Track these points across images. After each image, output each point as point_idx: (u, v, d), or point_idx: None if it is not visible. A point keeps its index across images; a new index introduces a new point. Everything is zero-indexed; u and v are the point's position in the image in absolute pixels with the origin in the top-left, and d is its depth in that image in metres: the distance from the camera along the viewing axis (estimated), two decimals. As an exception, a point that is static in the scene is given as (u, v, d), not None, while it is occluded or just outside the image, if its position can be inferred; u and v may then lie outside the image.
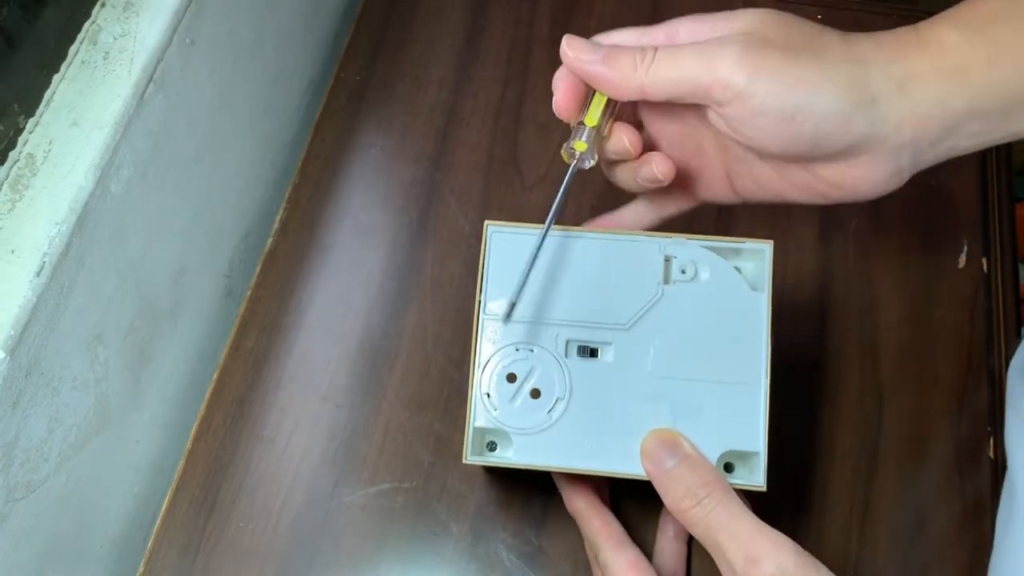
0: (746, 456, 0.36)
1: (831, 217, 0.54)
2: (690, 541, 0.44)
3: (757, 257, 0.37)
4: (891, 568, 0.45)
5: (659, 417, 0.36)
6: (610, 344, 0.36)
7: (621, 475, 0.35)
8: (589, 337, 0.37)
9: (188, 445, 0.49)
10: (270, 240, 0.55)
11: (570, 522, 0.44)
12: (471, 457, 0.36)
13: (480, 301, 0.37)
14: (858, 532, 0.46)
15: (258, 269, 0.54)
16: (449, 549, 0.46)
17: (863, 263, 0.53)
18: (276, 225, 0.56)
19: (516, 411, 0.36)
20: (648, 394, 0.36)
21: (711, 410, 0.36)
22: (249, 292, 0.53)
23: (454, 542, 0.46)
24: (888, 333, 0.51)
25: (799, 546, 0.32)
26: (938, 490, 0.46)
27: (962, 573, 0.45)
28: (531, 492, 0.47)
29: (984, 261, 0.53)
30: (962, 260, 0.53)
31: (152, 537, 0.47)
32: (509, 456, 0.36)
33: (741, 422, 0.35)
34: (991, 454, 0.47)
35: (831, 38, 0.33)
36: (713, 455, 0.35)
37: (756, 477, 0.35)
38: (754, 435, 0.35)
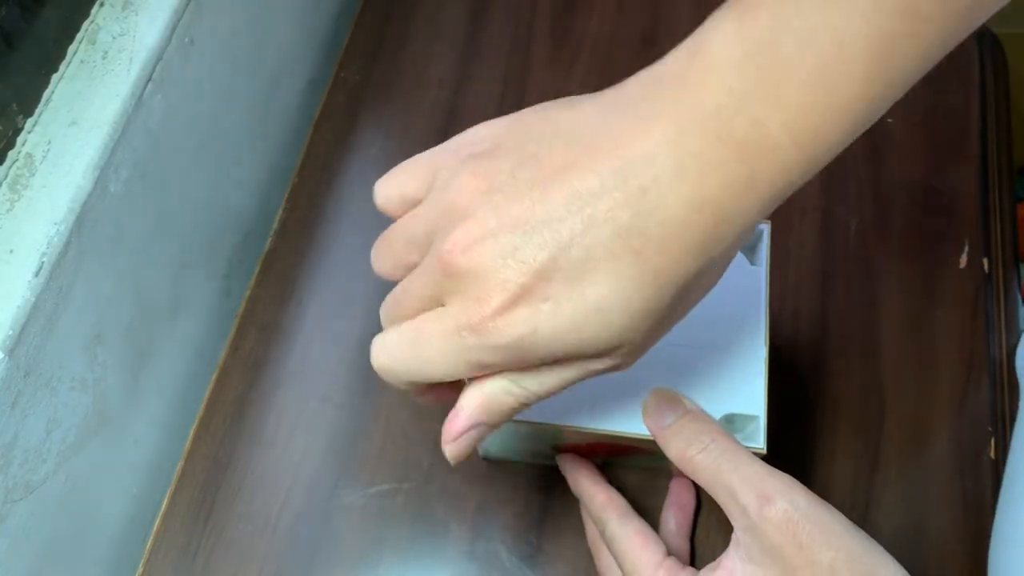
0: (746, 422, 0.36)
1: (833, 217, 0.54)
2: (692, 537, 0.44)
3: (756, 237, 0.38)
4: (892, 569, 0.45)
5: (661, 382, 0.36)
6: None
7: (624, 435, 0.36)
8: None
9: (187, 445, 0.49)
10: (269, 240, 0.55)
11: (570, 522, 0.44)
12: None
13: None
14: (859, 533, 0.45)
15: (257, 269, 0.54)
16: (449, 549, 0.46)
17: (864, 263, 0.53)
18: (275, 225, 0.55)
19: None
20: (650, 360, 0.36)
21: (712, 376, 0.36)
22: (248, 292, 0.53)
23: (454, 542, 0.46)
24: (889, 333, 0.50)
25: (809, 489, 0.32)
26: (939, 491, 0.46)
27: (963, 574, 0.44)
28: (531, 492, 0.47)
29: (985, 261, 0.53)
30: (963, 260, 0.53)
31: (151, 538, 0.47)
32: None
33: (741, 387, 0.36)
34: (992, 455, 0.47)
35: None
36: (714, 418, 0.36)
37: (756, 440, 0.35)
38: (754, 398, 0.36)
